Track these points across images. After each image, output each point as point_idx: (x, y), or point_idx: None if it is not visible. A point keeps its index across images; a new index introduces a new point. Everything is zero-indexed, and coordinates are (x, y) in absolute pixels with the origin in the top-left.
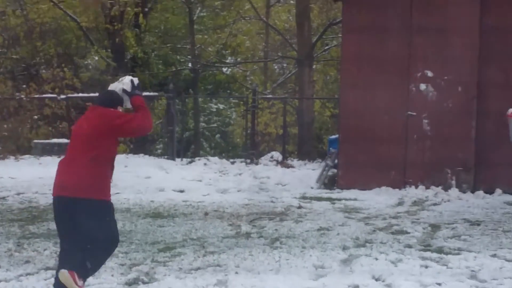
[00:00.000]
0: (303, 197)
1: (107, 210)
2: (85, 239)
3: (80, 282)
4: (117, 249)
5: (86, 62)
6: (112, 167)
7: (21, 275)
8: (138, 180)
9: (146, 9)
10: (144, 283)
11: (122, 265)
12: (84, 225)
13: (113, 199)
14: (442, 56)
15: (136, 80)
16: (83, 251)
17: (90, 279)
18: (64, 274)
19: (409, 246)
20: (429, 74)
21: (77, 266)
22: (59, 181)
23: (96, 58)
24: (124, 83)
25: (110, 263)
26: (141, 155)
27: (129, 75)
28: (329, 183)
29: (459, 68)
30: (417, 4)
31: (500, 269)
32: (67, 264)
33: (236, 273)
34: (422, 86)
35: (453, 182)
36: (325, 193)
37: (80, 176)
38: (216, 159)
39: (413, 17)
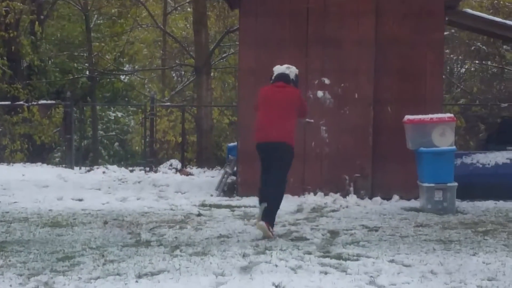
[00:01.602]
0: (203, 205)
1: (293, 154)
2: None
3: (271, 230)
4: (15, 258)
5: None
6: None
7: None
8: (35, 189)
9: (42, 17)
10: None
11: (21, 275)
12: (280, 163)
13: (10, 208)
14: (339, 64)
15: None
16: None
17: None
18: (262, 225)
19: (309, 253)
20: (326, 81)
21: (269, 218)
22: (269, 131)
23: None
24: (292, 71)
25: (8, 273)
26: (39, 164)
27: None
28: (229, 190)
29: (356, 76)
30: (313, 14)
31: (398, 274)
32: (265, 218)
33: (136, 282)
34: (319, 93)
35: (351, 188)
36: (224, 201)
37: (286, 129)
38: (115, 167)
39: (310, 26)
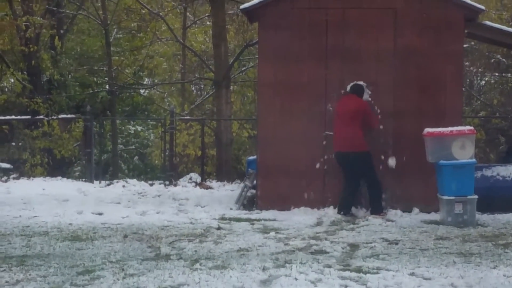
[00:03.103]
0: (222, 218)
1: (368, 158)
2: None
3: (382, 215)
4: (35, 272)
5: (1, 84)
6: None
7: None
8: (56, 203)
9: (62, 31)
10: None
11: None
12: (356, 169)
13: (30, 222)
14: (359, 77)
15: None
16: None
17: None
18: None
19: (329, 266)
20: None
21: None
22: (338, 142)
23: (12, 80)
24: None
25: (29, 287)
26: (59, 178)
27: None
28: (248, 204)
29: (375, 88)
30: (332, 26)
31: (418, 287)
32: (372, 209)
33: None
34: None
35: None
36: (244, 214)
37: (351, 138)
38: (134, 181)
39: (329, 39)
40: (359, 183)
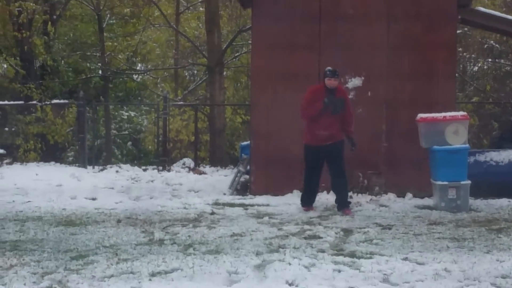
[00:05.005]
0: (216, 203)
1: (305, 151)
2: None
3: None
4: (28, 257)
5: None
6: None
7: None
8: (49, 188)
9: (55, 17)
10: None
11: (34, 273)
12: None
13: (24, 207)
14: (352, 64)
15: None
16: None
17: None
18: None
19: (322, 251)
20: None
21: None
22: None
23: (5, 66)
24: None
25: (22, 272)
26: (52, 163)
27: None
28: (242, 189)
29: (368, 74)
30: (325, 13)
31: (411, 272)
32: None
33: (150, 280)
34: None
35: (365, 186)
36: (237, 199)
37: None
38: (128, 166)
39: (322, 25)
40: (306, 173)
